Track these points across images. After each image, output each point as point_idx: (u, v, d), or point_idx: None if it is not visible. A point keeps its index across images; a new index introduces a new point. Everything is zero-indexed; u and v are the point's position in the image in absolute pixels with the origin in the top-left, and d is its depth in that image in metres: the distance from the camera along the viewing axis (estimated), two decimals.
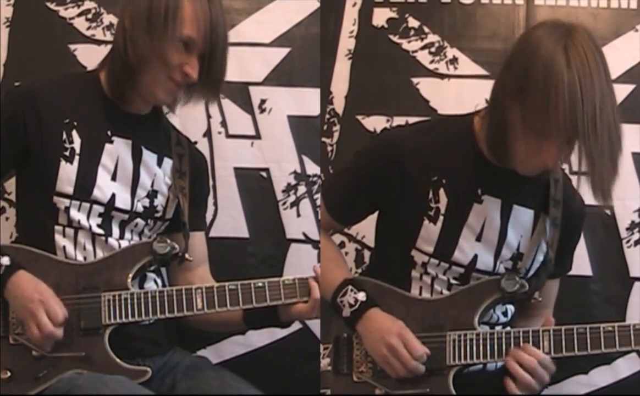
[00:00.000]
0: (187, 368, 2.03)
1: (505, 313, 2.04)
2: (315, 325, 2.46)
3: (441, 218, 1.95)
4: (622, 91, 2.54)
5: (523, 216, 1.98)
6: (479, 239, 1.96)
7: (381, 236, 2.13)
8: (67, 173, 1.95)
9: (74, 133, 1.97)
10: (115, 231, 2.01)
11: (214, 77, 1.99)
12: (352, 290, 1.97)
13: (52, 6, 2.56)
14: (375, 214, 2.13)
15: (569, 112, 1.69)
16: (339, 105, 2.67)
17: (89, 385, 1.79)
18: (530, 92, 1.74)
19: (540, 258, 2.01)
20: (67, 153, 1.96)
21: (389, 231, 2.08)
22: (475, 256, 1.96)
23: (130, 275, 1.95)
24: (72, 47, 2.54)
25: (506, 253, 1.98)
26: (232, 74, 2.52)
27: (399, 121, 2.58)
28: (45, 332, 1.83)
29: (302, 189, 2.58)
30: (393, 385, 1.92)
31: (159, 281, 2.11)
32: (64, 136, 1.96)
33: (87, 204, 1.97)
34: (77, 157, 1.96)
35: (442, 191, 1.95)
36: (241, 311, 2.03)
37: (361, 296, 1.96)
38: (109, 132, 2.01)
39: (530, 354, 1.82)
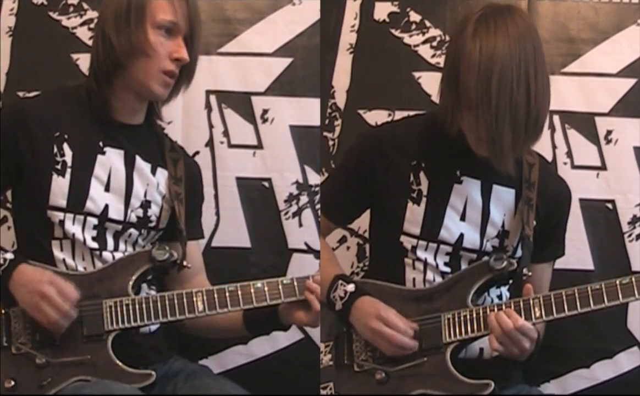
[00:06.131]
0: (188, 375, 2.05)
1: (500, 297, 2.09)
2: (316, 335, 2.46)
3: (424, 199, 2.01)
4: (623, 85, 2.56)
5: (504, 195, 2.03)
6: (463, 218, 2.02)
7: (373, 229, 2.18)
8: (60, 186, 1.96)
9: (65, 146, 1.98)
10: (110, 242, 2.02)
11: (195, 56, 2.03)
12: (342, 284, 2.02)
13: (55, 16, 2.57)
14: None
15: (466, 80, 1.78)
16: (340, 99, 2.67)
17: (95, 393, 1.81)
18: (447, 67, 1.86)
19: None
20: (58, 166, 1.96)
21: (379, 221, 2.13)
22: (462, 235, 2.01)
23: (131, 282, 1.96)
24: (74, 56, 2.54)
25: (491, 231, 2.03)
26: (234, 84, 2.57)
27: (400, 115, 2.58)
28: (62, 311, 1.84)
29: (304, 199, 2.58)
30: (393, 367, 1.96)
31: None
32: (55, 150, 1.97)
33: (81, 217, 1.98)
34: (69, 170, 1.97)
35: (422, 174, 2.02)
36: (242, 318, 2.06)
37: (350, 287, 2.01)
38: (100, 143, 2.02)
39: (510, 316, 1.84)
